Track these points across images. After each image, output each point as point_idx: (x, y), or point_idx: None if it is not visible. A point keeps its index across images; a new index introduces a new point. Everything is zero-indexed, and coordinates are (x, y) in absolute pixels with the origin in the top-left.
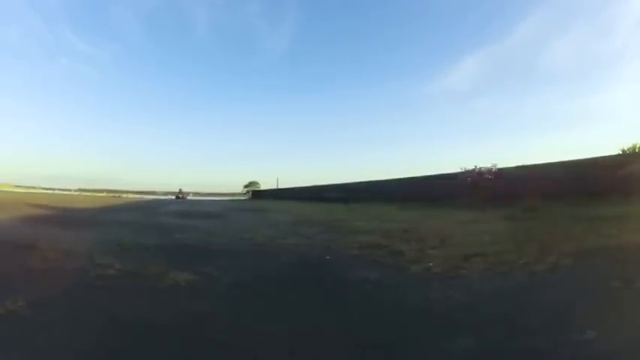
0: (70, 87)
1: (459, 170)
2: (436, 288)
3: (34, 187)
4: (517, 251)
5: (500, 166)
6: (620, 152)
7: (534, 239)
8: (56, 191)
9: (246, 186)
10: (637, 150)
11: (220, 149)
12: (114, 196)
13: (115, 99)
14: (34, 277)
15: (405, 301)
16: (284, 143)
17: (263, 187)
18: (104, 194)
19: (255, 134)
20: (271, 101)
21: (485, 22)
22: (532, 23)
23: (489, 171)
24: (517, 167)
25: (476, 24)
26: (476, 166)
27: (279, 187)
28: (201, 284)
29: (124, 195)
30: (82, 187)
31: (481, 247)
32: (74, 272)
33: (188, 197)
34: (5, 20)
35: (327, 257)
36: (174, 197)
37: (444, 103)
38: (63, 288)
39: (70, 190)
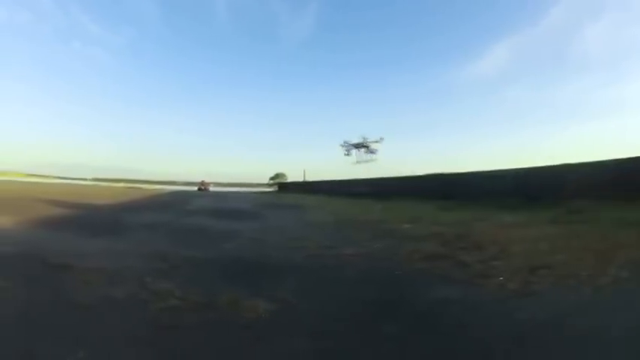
0: (84, 72)
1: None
2: (518, 307)
3: (46, 176)
4: (577, 261)
5: (534, 160)
6: None
7: (589, 247)
8: (70, 181)
9: (272, 178)
10: None
11: (239, 138)
12: (133, 187)
13: (130, 85)
14: (85, 315)
15: (497, 324)
16: (305, 133)
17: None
18: (122, 185)
19: (274, 123)
20: (292, 89)
21: (516, 7)
22: (564, 8)
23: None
24: (558, 166)
25: (506, 9)
26: None
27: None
28: (284, 316)
29: (144, 186)
30: (97, 176)
31: (541, 257)
32: (129, 304)
33: (210, 189)
34: (14, 2)
35: (397, 272)
36: (196, 189)
37: (472, 92)
38: (124, 330)
39: (85, 180)
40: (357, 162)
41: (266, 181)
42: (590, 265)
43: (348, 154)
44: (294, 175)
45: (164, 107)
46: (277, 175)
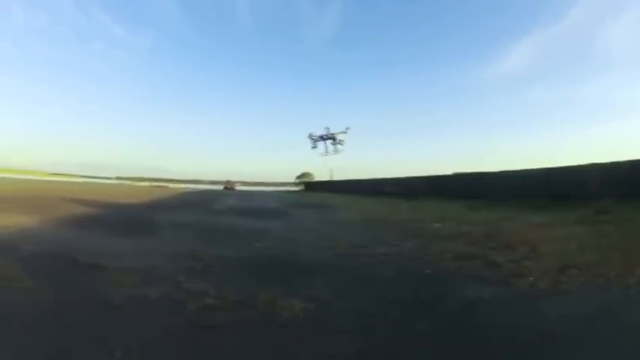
0: (106, 72)
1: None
2: (549, 306)
3: (69, 175)
4: (605, 261)
5: (556, 159)
6: None
7: (616, 247)
8: (94, 180)
9: (298, 177)
10: None
11: (263, 137)
12: (158, 187)
13: (153, 85)
14: (120, 315)
15: (529, 324)
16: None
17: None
18: (147, 184)
19: (298, 122)
20: (316, 88)
21: (537, 5)
22: (586, 6)
23: None
24: (583, 165)
25: (527, 7)
26: None
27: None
28: (320, 314)
29: (169, 185)
30: (121, 175)
31: (570, 256)
32: (164, 304)
33: (236, 188)
34: (32, 5)
35: (428, 272)
36: (222, 188)
37: (495, 91)
38: (161, 330)
39: (108, 179)
40: (326, 154)
41: (292, 180)
42: (618, 265)
43: (314, 147)
44: (319, 175)
45: (186, 107)
46: (304, 175)
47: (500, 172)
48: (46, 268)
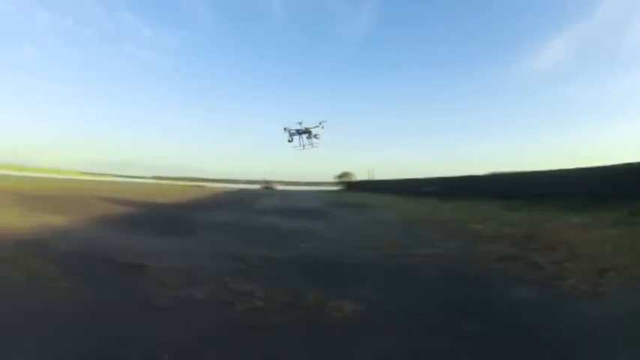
0: (137, 73)
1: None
2: (589, 308)
3: (101, 175)
4: None
5: (590, 159)
6: None
7: None
8: (128, 179)
9: (338, 176)
10: None
11: None
12: (195, 186)
13: (186, 85)
14: (165, 317)
15: (570, 325)
16: (367, 131)
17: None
18: (184, 183)
19: (336, 121)
20: (351, 87)
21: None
22: None
23: None
24: (618, 165)
25: (560, 2)
26: None
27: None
28: (370, 316)
29: (206, 184)
30: (157, 174)
31: (607, 259)
32: (211, 305)
33: (275, 187)
34: (55, 8)
35: (472, 273)
36: (259, 187)
37: (530, 89)
38: (209, 332)
39: (143, 178)
40: (303, 148)
41: (330, 179)
42: None
43: (291, 141)
44: (359, 174)
45: (219, 106)
46: (344, 174)
47: (536, 171)
48: (83, 267)
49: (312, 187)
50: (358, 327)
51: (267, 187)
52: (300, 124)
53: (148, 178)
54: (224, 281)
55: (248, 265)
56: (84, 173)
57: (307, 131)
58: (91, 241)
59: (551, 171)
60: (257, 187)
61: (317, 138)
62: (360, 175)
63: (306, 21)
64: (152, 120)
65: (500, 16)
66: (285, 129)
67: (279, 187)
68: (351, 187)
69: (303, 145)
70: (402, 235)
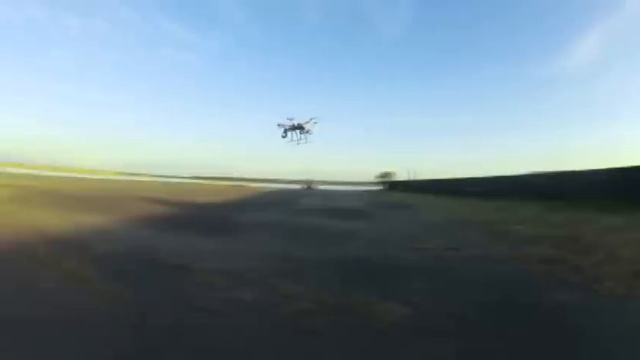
0: (176, 76)
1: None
2: (630, 311)
3: (140, 175)
4: None
5: (621, 158)
6: None
7: None
8: (168, 179)
9: (379, 176)
10: None
11: (340, 136)
12: (236, 186)
13: (225, 86)
14: (212, 319)
15: (615, 329)
16: (406, 131)
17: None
18: (224, 183)
19: (374, 121)
20: (389, 88)
21: None
22: None
23: None
24: None
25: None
26: None
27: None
28: (419, 319)
29: (246, 184)
30: (198, 174)
31: None
32: (259, 307)
33: (315, 187)
34: (90, 13)
35: (516, 275)
36: (300, 187)
37: (562, 87)
38: (259, 335)
39: (183, 178)
40: (297, 143)
41: (369, 179)
42: None
43: (285, 136)
44: (400, 174)
45: (258, 107)
46: (385, 174)
47: (574, 171)
48: (123, 268)
49: (353, 187)
50: (407, 331)
51: (308, 186)
52: (291, 119)
53: (188, 178)
54: (270, 283)
55: (294, 267)
56: (121, 174)
57: (300, 127)
58: (130, 241)
59: (588, 171)
60: (298, 186)
61: (310, 133)
62: (401, 175)
63: (342, 22)
64: (191, 121)
65: (532, 15)
66: (278, 125)
67: (320, 187)
68: (393, 186)
69: (298, 141)
70: (446, 236)
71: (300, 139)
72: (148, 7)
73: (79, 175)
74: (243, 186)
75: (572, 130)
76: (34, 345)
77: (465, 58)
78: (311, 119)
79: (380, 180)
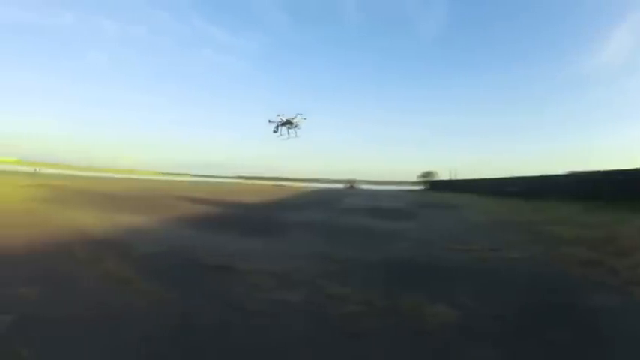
0: (216, 77)
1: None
2: None
3: (181, 175)
4: None
5: None
6: None
7: None
8: (210, 179)
9: (421, 176)
10: None
11: (380, 136)
12: (279, 186)
13: (263, 87)
14: (260, 321)
15: None
16: (446, 131)
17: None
18: (267, 183)
19: (414, 121)
20: (426, 86)
21: None
22: None
23: None
24: None
25: None
26: None
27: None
28: (466, 321)
29: (288, 184)
30: (238, 174)
31: None
32: (307, 309)
33: (358, 187)
34: (125, 17)
35: (556, 277)
36: (342, 186)
37: (594, 84)
38: (306, 337)
39: (224, 178)
40: (288, 137)
41: (410, 178)
42: None
43: (276, 132)
44: (441, 173)
45: (298, 107)
46: (427, 174)
47: (610, 170)
48: (165, 269)
49: (395, 187)
50: (454, 333)
51: (351, 186)
52: (279, 115)
53: (230, 177)
54: (317, 284)
55: (340, 267)
56: (162, 174)
57: (289, 122)
58: (172, 241)
59: (624, 171)
60: (340, 186)
61: (298, 128)
62: (443, 175)
63: (380, 22)
64: (231, 121)
65: (570, 11)
66: (269, 121)
67: (361, 187)
68: (434, 186)
69: (288, 136)
70: (488, 236)
71: (290, 133)
72: (185, 10)
73: (118, 176)
74: (286, 186)
75: (602, 129)
76: (74, 344)
77: (503, 57)
78: (297, 115)
79: (421, 180)
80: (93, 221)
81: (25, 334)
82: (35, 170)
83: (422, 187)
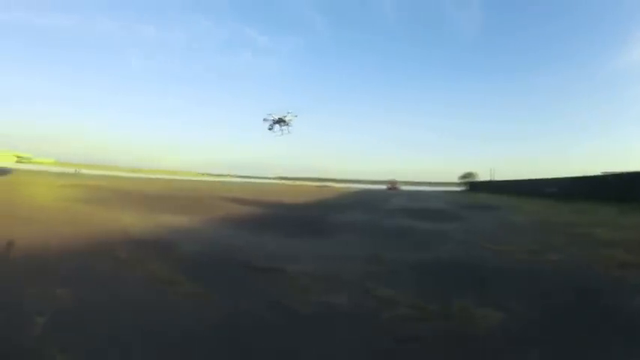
0: (256, 78)
1: None
2: None
3: (222, 175)
4: None
5: None
6: None
7: None
8: (251, 180)
9: (462, 177)
10: None
11: (421, 138)
12: (321, 186)
13: (305, 87)
14: (310, 325)
15: None
16: (487, 132)
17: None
18: (309, 183)
19: (452, 123)
20: (462, 90)
21: None
22: None
23: None
24: None
25: None
26: None
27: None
28: (515, 325)
29: (331, 184)
30: (280, 174)
31: None
32: (357, 313)
33: (399, 188)
34: (163, 23)
35: (597, 281)
36: (383, 187)
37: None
38: (360, 342)
39: (267, 178)
40: (281, 134)
41: (450, 179)
42: None
43: (271, 129)
44: (480, 174)
45: (339, 109)
46: (468, 174)
47: None
48: (210, 270)
49: (435, 188)
50: (504, 339)
51: (393, 187)
52: (270, 114)
53: (272, 178)
54: (366, 287)
55: (387, 269)
56: (203, 174)
57: (282, 120)
58: (216, 242)
59: None
60: (381, 187)
61: (289, 125)
62: (482, 176)
63: (416, 25)
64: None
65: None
66: (264, 120)
67: (403, 188)
68: (474, 187)
69: (281, 132)
70: (530, 238)
71: (283, 131)
72: (223, 14)
73: (160, 176)
74: (329, 186)
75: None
76: (112, 348)
77: (537, 59)
78: (288, 113)
79: (462, 181)
80: (135, 221)
81: (61, 336)
82: (75, 171)
83: (462, 188)
